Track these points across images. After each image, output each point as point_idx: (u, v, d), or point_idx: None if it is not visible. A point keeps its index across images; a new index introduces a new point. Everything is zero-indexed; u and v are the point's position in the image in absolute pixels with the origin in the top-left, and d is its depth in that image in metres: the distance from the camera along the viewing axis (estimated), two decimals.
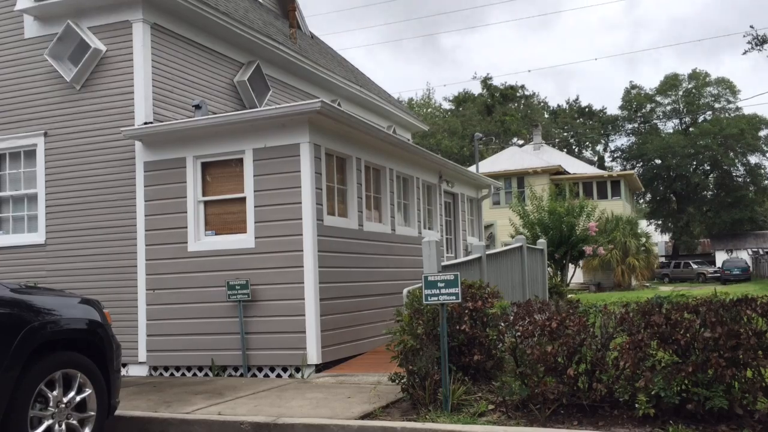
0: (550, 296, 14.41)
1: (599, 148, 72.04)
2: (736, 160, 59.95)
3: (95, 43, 10.10)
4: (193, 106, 10.21)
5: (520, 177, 41.90)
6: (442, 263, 7.98)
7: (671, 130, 63.94)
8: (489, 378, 7.13)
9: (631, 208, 48.02)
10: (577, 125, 71.28)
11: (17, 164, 10.86)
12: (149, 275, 9.68)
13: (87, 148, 10.22)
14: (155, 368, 9.69)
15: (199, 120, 9.44)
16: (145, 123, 9.75)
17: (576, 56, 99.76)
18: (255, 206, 9.15)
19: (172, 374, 9.59)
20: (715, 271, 48.23)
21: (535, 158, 45.03)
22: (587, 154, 71.39)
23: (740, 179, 61.02)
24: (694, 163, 61.33)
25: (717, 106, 62.49)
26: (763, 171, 61.37)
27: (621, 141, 68.69)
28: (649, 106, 64.71)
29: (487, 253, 10.06)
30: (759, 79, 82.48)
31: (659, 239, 62.24)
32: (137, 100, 9.84)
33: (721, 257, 54.32)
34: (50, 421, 5.25)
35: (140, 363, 9.68)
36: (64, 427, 5.36)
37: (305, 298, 8.80)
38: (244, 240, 9.20)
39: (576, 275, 23.82)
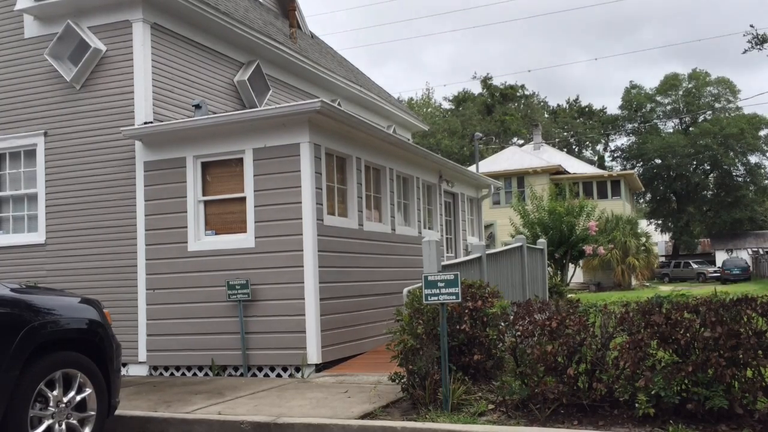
0: (550, 296, 14.41)
1: (599, 147, 72.08)
2: (736, 160, 59.89)
3: (95, 42, 10.10)
4: (193, 105, 10.21)
5: (520, 177, 41.89)
6: (442, 263, 7.98)
7: (671, 130, 63.93)
8: (489, 378, 7.13)
9: (631, 207, 48.01)
10: (577, 125, 71.27)
11: (17, 164, 10.86)
12: (149, 275, 9.68)
13: (87, 147, 10.22)
14: (155, 368, 9.69)
15: (199, 120, 9.43)
16: (145, 123, 9.75)
17: (576, 56, 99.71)
18: (255, 206, 9.15)
19: (172, 374, 9.59)
20: (715, 271, 48.20)
21: (535, 158, 45.02)
22: (587, 153, 71.40)
23: (740, 179, 60.96)
24: (694, 162, 61.30)
25: (717, 105, 62.45)
26: (763, 171, 61.34)
27: (621, 141, 68.84)
28: (649, 106, 64.69)
29: (487, 252, 10.05)
30: (759, 78, 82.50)
31: (659, 239, 62.23)
32: (137, 99, 9.84)
33: (721, 257, 54.31)
34: (50, 421, 5.25)
35: (140, 363, 9.68)
36: (64, 426, 5.35)
37: (305, 297, 8.80)
38: (244, 240, 9.20)
39: (576, 275, 23.81)
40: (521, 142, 62.46)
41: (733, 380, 5.42)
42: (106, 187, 10.07)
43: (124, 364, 9.41)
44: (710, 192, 63.06)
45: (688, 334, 5.56)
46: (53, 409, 5.29)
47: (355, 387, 7.68)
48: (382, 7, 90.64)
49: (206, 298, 9.33)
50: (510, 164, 43.57)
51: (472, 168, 29.14)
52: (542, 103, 74.67)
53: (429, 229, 13.29)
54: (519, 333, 6.42)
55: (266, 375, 9.07)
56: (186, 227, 9.50)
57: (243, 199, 9.26)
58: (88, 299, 6.02)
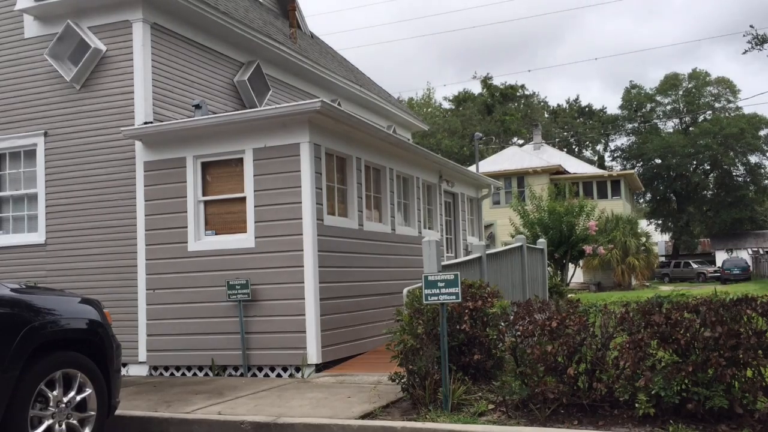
0: (550, 296, 14.41)
1: (599, 147, 72.06)
2: (736, 160, 59.92)
3: (95, 42, 10.10)
4: (193, 105, 10.21)
5: (520, 177, 41.90)
6: (442, 263, 7.98)
7: (671, 130, 63.93)
8: (489, 378, 7.13)
9: (631, 207, 48.01)
10: (577, 125, 71.27)
11: (17, 164, 10.86)
12: (149, 275, 9.68)
13: (87, 148, 10.22)
14: (155, 368, 9.69)
15: (199, 120, 9.44)
16: (145, 123, 9.75)
17: (576, 56, 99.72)
18: (255, 206, 9.15)
19: (172, 374, 9.59)
20: (715, 271, 48.20)
21: (535, 158, 45.02)
22: (587, 153, 71.37)
23: (740, 179, 61.00)
24: (694, 162, 61.32)
25: (717, 105, 62.48)
26: (763, 171, 61.36)
27: (621, 141, 68.83)
28: (649, 106, 64.70)
29: (487, 252, 10.06)
30: (759, 78, 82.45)
31: (659, 239, 62.22)
32: (137, 99, 9.84)
33: (721, 257, 54.30)
34: (50, 421, 5.25)
35: (140, 363, 9.69)
36: (64, 426, 5.35)
37: (305, 297, 8.80)
38: (244, 240, 9.20)
39: (576, 275, 23.82)
40: (521, 142, 62.47)
41: (733, 380, 5.42)
42: (106, 187, 10.07)
43: (124, 364, 9.41)
44: (710, 192, 63.09)
45: (688, 334, 5.56)
46: (53, 409, 5.29)
47: (355, 387, 7.68)
48: (382, 7, 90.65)
49: (206, 298, 9.33)
50: (510, 164, 43.58)
51: (472, 168, 29.13)
52: (542, 103, 74.64)
53: (429, 229, 13.29)
54: (519, 333, 6.41)
55: (266, 375, 9.07)
56: (186, 227, 9.50)
57: (243, 199, 9.26)
58: (88, 299, 6.02)
